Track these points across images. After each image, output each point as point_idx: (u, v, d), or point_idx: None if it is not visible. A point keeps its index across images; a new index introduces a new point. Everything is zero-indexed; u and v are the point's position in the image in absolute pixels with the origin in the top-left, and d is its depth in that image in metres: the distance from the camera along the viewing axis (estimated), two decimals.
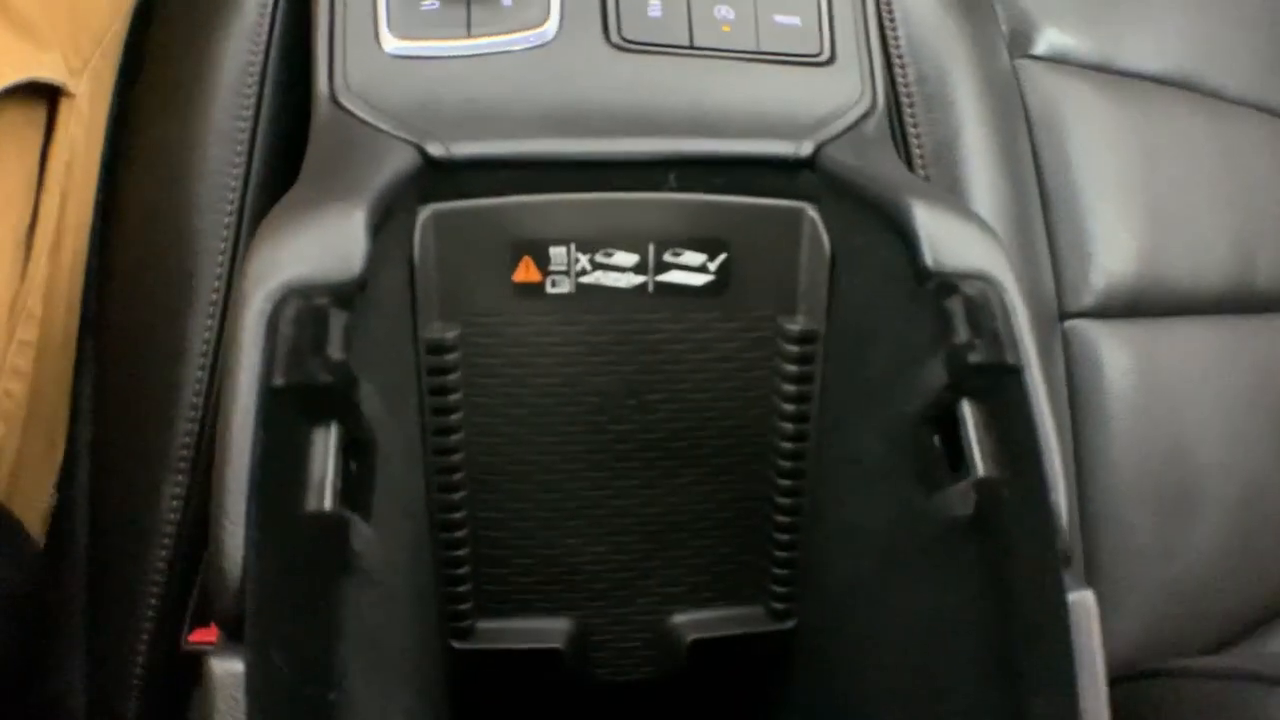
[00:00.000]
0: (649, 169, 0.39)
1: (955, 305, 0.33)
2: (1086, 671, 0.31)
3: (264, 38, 0.46)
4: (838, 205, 0.39)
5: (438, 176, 0.37)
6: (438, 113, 0.39)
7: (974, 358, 0.32)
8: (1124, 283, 0.56)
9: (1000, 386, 0.33)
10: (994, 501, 0.32)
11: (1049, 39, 0.60)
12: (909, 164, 0.50)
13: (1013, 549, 0.32)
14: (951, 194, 0.40)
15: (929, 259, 0.34)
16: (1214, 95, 0.65)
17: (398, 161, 0.36)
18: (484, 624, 0.44)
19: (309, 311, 0.28)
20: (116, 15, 0.46)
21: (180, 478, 0.42)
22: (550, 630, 0.44)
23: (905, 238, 0.34)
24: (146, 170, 0.45)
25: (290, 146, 0.43)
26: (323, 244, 0.30)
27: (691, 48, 0.42)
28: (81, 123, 0.43)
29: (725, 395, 0.42)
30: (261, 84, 0.45)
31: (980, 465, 0.32)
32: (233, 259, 0.44)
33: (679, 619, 0.45)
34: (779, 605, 0.45)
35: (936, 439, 0.34)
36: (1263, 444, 0.59)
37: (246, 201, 0.45)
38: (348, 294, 0.30)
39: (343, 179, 0.34)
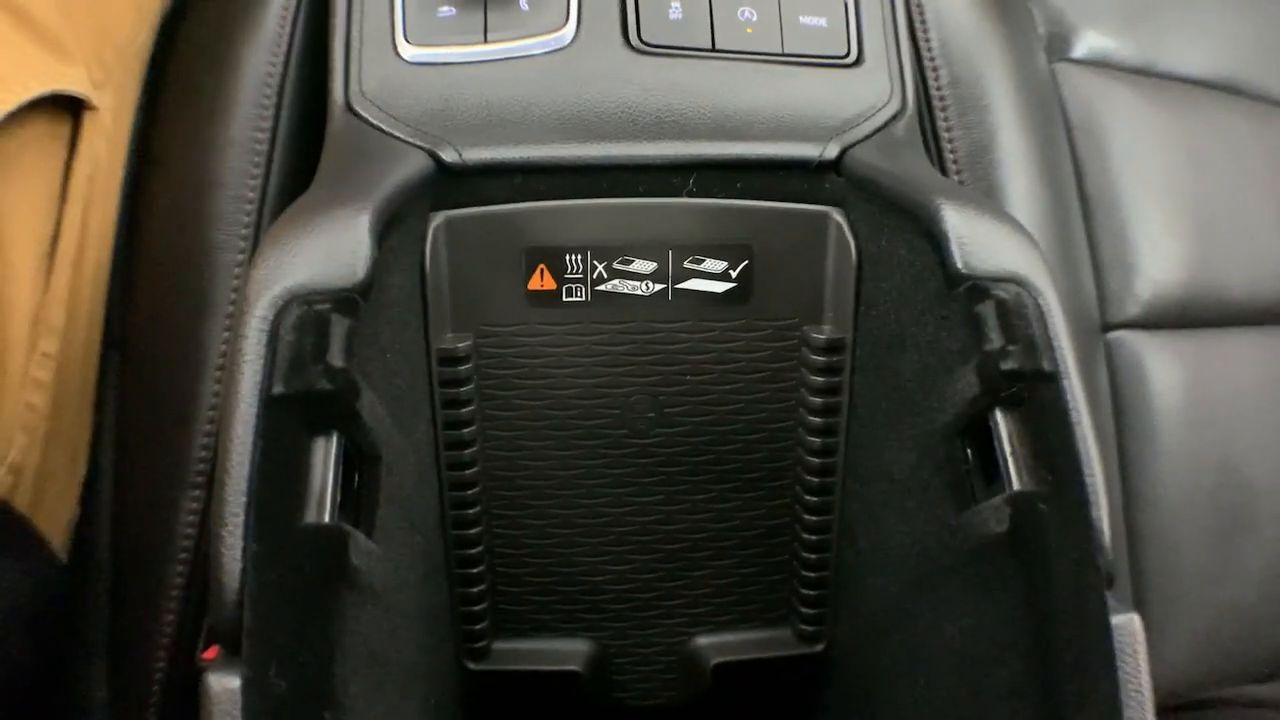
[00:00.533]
0: (668, 173, 0.38)
1: (987, 310, 0.31)
2: (1134, 700, 0.29)
3: (284, 48, 0.46)
4: (865, 208, 0.38)
5: (451, 182, 0.37)
6: (454, 119, 0.38)
7: (1007, 364, 0.30)
8: (1171, 292, 0.54)
9: (1036, 395, 0.31)
10: (1031, 517, 0.30)
11: (1088, 42, 0.58)
12: (942, 168, 0.48)
13: (1052, 567, 0.30)
14: (985, 197, 0.38)
15: (959, 262, 0.32)
16: (1261, 99, 0.63)
17: (409, 167, 0.35)
18: (500, 645, 0.43)
19: (310, 318, 0.28)
20: (141, 29, 0.47)
21: (197, 492, 0.42)
22: (569, 652, 0.43)
23: (934, 240, 0.33)
24: (167, 182, 0.45)
25: (309, 157, 0.43)
26: (327, 250, 0.29)
27: (714, 50, 0.41)
28: (104, 135, 0.43)
29: (749, 407, 0.41)
30: (280, 95, 0.45)
31: (1015, 478, 0.30)
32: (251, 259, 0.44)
33: (703, 641, 0.44)
34: (808, 627, 0.43)
35: (970, 451, 0.33)
36: None
37: (264, 213, 0.44)
38: (351, 300, 0.29)
39: (352, 185, 0.33)
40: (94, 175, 0.43)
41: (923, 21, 0.49)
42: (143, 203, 0.45)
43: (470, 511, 0.40)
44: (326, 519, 0.26)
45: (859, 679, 0.41)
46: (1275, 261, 0.58)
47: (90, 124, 0.43)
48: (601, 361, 0.39)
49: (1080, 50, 0.57)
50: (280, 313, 0.28)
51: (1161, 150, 0.56)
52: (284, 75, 0.46)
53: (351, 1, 0.41)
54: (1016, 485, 0.30)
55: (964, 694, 0.33)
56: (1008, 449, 0.31)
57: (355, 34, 0.40)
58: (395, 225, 0.33)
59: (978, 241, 0.33)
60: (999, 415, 0.31)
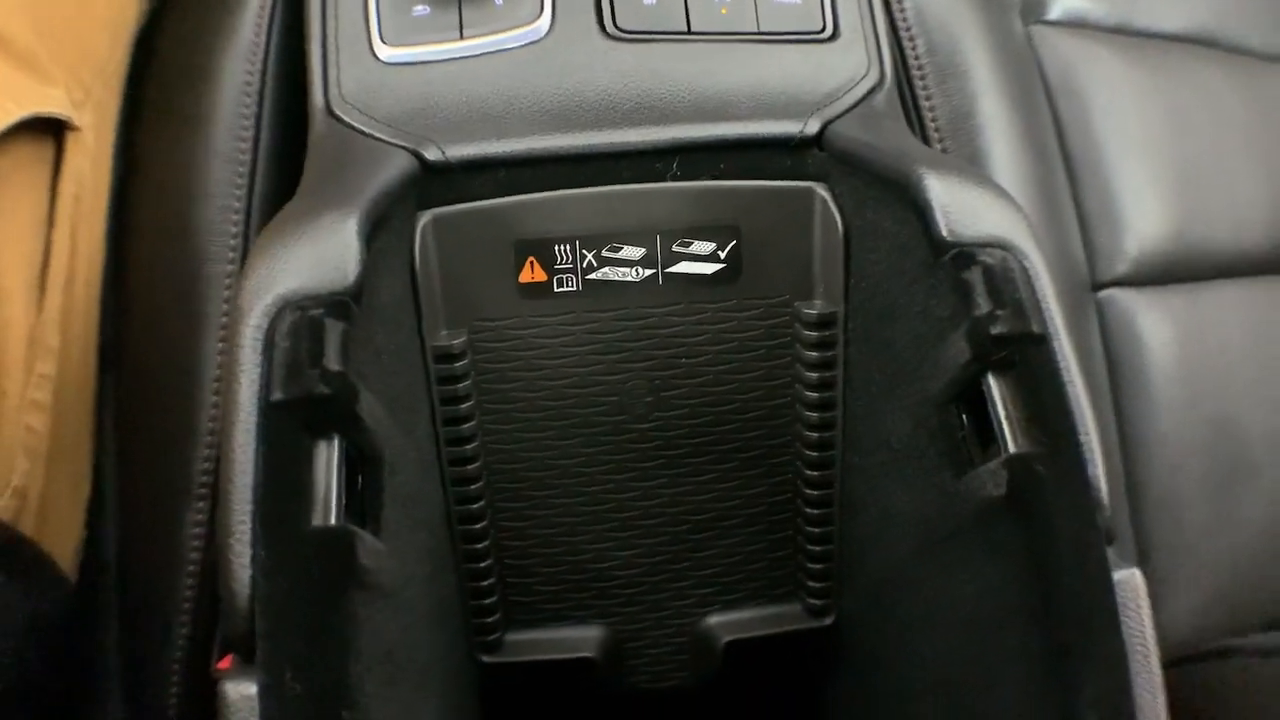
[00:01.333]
0: (652, 158, 0.38)
1: (974, 276, 0.31)
2: (1139, 653, 0.30)
3: (260, 56, 0.46)
4: (848, 182, 0.38)
5: (436, 181, 0.37)
6: (435, 117, 0.38)
7: (997, 329, 0.31)
8: (1159, 248, 0.54)
9: (1027, 357, 0.31)
10: (1028, 478, 0.30)
11: (1063, 3, 0.58)
12: (924, 137, 0.48)
13: (1052, 527, 0.30)
14: (967, 164, 0.38)
15: (944, 229, 0.32)
16: (1239, 51, 0.63)
17: (394, 168, 0.35)
18: (513, 636, 0.43)
19: (305, 323, 0.28)
20: (117, 45, 0.46)
21: (202, 504, 0.42)
22: (581, 639, 0.43)
23: (918, 209, 0.33)
24: (153, 198, 0.45)
25: (294, 162, 0.43)
26: (316, 255, 0.30)
27: (690, 33, 0.41)
28: (87, 155, 0.43)
29: (746, 386, 0.41)
30: (260, 104, 0.45)
31: (1011, 441, 0.31)
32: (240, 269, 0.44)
33: (713, 620, 0.44)
34: (816, 601, 0.43)
35: (965, 417, 0.33)
36: None
37: (251, 222, 0.44)
38: (344, 304, 0.29)
39: (338, 189, 0.33)
40: (80, 195, 0.43)
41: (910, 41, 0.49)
42: (130, 219, 0.45)
43: (475, 505, 0.40)
44: (333, 521, 0.26)
45: (868, 650, 0.42)
46: (1259, 212, 0.58)
47: (73, 144, 0.43)
48: (596, 349, 0.39)
49: (1056, 12, 0.57)
50: (274, 320, 0.28)
51: (1141, 107, 0.56)
52: (263, 83, 0.46)
53: (326, 5, 0.41)
54: (1013, 448, 0.31)
55: (972, 658, 0.34)
56: (1002, 413, 0.31)
57: (331, 38, 0.40)
58: (383, 226, 0.33)
59: (961, 208, 0.33)
60: (991, 379, 0.31)
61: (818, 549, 0.43)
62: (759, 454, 0.42)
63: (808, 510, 0.42)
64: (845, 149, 0.37)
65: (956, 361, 0.32)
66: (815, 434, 0.41)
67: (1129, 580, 0.30)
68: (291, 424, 0.27)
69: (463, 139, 0.37)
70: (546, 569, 0.42)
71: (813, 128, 0.39)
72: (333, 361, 0.27)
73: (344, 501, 0.27)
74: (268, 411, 0.27)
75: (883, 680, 0.40)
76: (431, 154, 0.37)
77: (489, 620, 0.42)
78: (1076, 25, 0.57)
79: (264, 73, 0.46)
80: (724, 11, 0.41)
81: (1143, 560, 0.51)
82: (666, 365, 0.40)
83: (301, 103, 0.41)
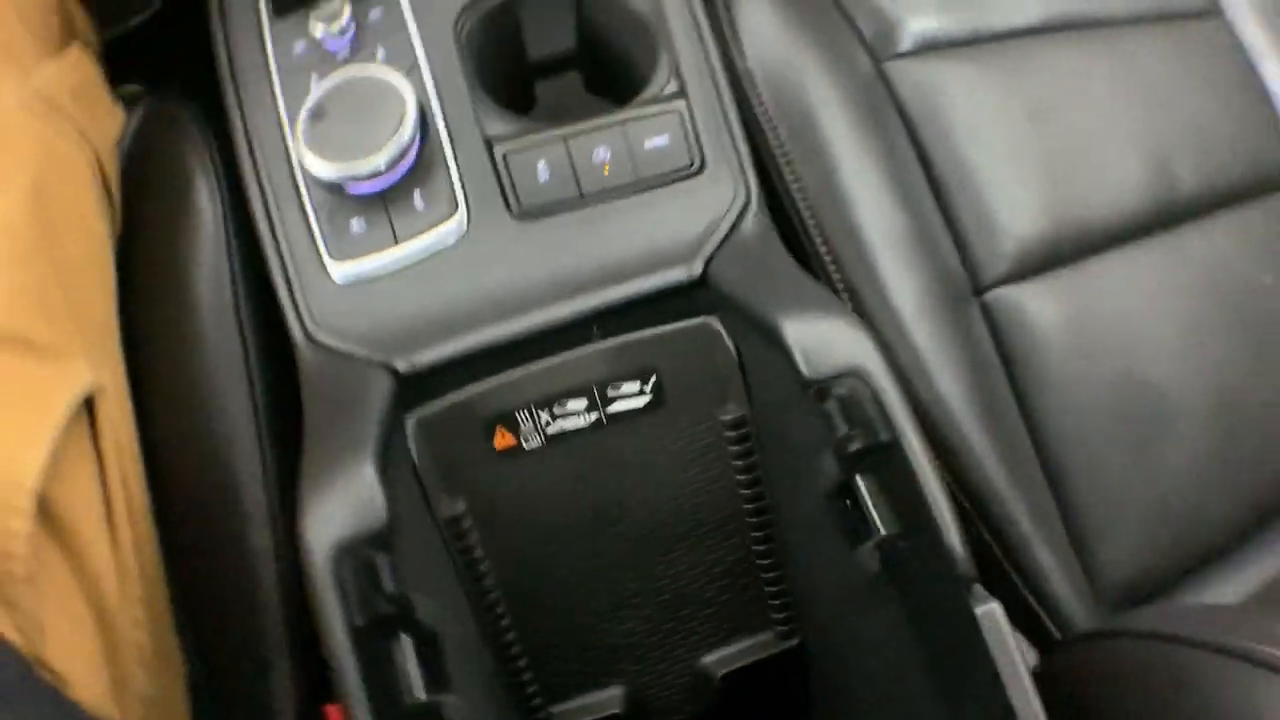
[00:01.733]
0: (578, 326, 0.46)
1: (832, 406, 0.40)
2: (1006, 670, 0.38)
3: (229, 278, 0.52)
4: (733, 315, 0.46)
5: (411, 386, 0.45)
6: (396, 329, 0.46)
7: (854, 446, 0.39)
8: (1037, 238, 0.60)
9: (883, 461, 0.39)
10: (896, 554, 0.39)
11: (912, 31, 0.62)
12: (799, 216, 0.55)
13: (923, 587, 0.39)
14: (820, 290, 0.45)
15: (804, 370, 0.40)
16: (1102, 24, 0.67)
17: (377, 391, 0.43)
18: (556, 708, 0.53)
19: (362, 564, 0.37)
20: (110, 297, 0.54)
21: (285, 665, 0.51)
22: (608, 699, 0.53)
23: (782, 350, 0.41)
24: (170, 424, 0.53)
25: (285, 358, 0.50)
26: (352, 507, 0.38)
27: (582, 198, 0.48)
28: (113, 402, 0.51)
29: (691, 482, 0.49)
30: (240, 321, 0.52)
31: (881, 527, 0.39)
32: (263, 466, 0.52)
33: (708, 659, 0.53)
34: (783, 627, 0.53)
35: (850, 503, 0.41)
36: (1224, 347, 0.62)
37: (261, 422, 0.52)
38: (384, 536, 0.38)
39: (344, 430, 0.41)
40: (117, 440, 0.51)
41: (759, 99, 0.55)
42: (154, 434, 0.53)
43: (503, 621, 0.49)
44: (423, 697, 0.36)
45: (828, 668, 0.51)
46: (1134, 174, 0.63)
47: (101, 400, 0.51)
48: (568, 483, 0.48)
49: (907, 42, 0.62)
50: (337, 564, 0.37)
51: (1002, 113, 0.62)
52: (236, 300, 0.52)
53: (274, 228, 0.48)
54: (883, 532, 0.39)
55: (896, 677, 0.43)
56: (870, 505, 0.39)
57: (288, 260, 0.47)
58: (388, 446, 0.42)
59: (817, 348, 0.40)
60: (859, 480, 0.40)
61: (774, 589, 0.52)
62: (713, 527, 0.51)
63: (760, 562, 0.51)
64: (723, 290, 0.45)
65: (832, 469, 0.40)
66: (752, 506, 0.49)
67: (989, 614, 0.38)
68: (373, 635, 0.36)
69: (423, 345, 0.45)
70: (568, 652, 0.52)
71: (697, 269, 0.46)
72: (389, 584, 0.37)
73: (424, 677, 0.36)
74: (355, 634, 0.36)
75: (843, 694, 0.50)
76: (403, 366, 0.44)
77: (535, 703, 0.52)
78: (930, 49, 0.62)
79: (235, 291, 0.53)
80: (606, 171, 0.48)
81: (1074, 529, 0.58)
82: (624, 483, 0.49)
83: (274, 302, 0.48)
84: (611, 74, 0.56)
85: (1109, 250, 0.62)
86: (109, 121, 0.57)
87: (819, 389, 0.40)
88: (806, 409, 0.41)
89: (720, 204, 0.48)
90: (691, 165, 0.48)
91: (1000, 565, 0.57)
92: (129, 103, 0.60)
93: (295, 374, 0.47)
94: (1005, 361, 0.58)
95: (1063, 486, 0.58)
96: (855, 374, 0.40)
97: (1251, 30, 0.75)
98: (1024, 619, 0.57)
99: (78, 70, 0.56)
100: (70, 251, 0.52)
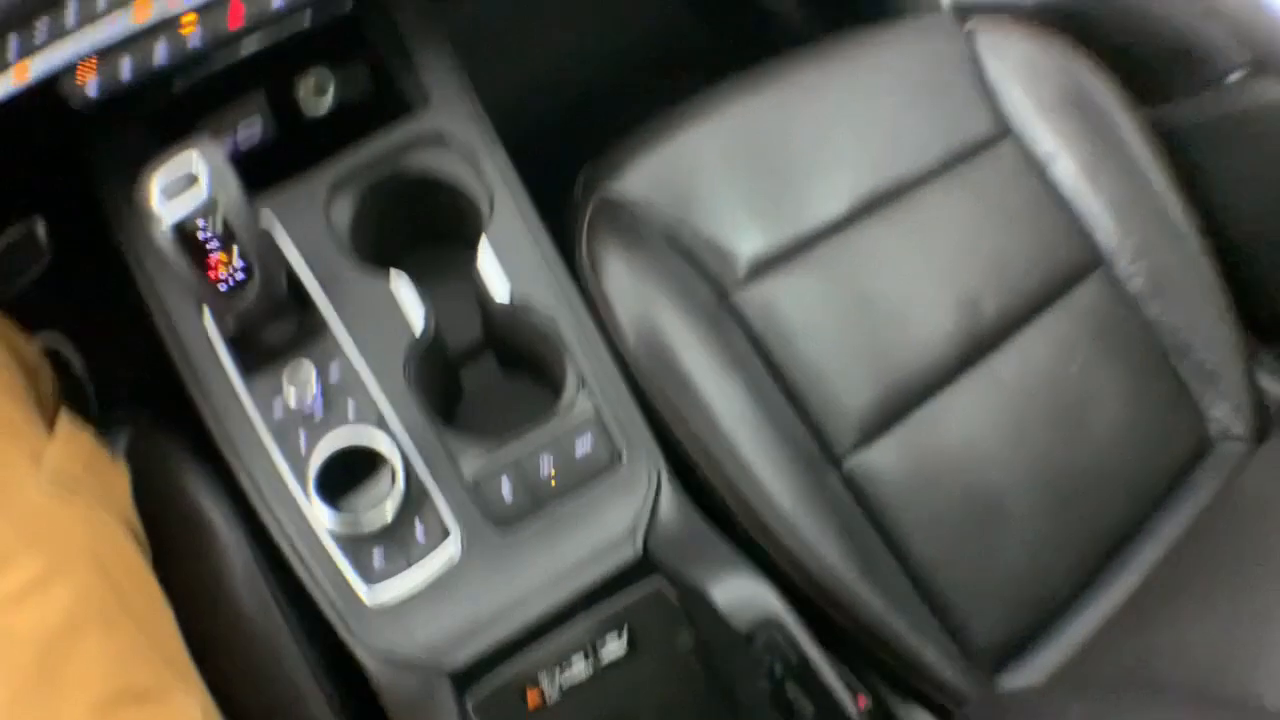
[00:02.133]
0: (571, 607, 0.63)
1: (759, 650, 0.57)
2: None
3: (261, 580, 0.69)
4: (673, 583, 0.63)
5: (462, 681, 0.62)
6: (439, 641, 0.62)
7: (778, 673, 0.57)
8: (873, 405, 0.74)
9: (804, 675, 0.57)
10: None
11: (745, 256, 0.76)
12: (685, 449, 0.71)
13: None
14: (729, 551, 0.63)
15: (730, 623, 0.58)
16: (901, 192, 0.80)
17: (444, 695, 0.60)
18: None
19: None
20: (173, 626, 0.65)
21: None
22: None
23: (713, 608, 0.58)
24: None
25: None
26: None
27: (538, 511, 0.65)
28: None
29: (675, 698, 0.66)
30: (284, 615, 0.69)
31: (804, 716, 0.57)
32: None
33: None
34: None
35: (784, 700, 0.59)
36: (1044, 438, 0.77)
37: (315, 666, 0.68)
38: None
39: None
40: None
41: (629, 352, 0.70)
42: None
43: None
44: None
45: None
46: (939, 328, 0.77)
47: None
48: (588, 714, 0.65)
49: (743, 269, 0.76)
50: None
51: (829, 308, 0.76)
52: (275, 597, 0.69)
53: (307, 565, 0.64)
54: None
55: None
56: (794, 702, 0.57)
57: (329, 595, 0.63)
58: None
59: (738, 605, 0.58)
60: (787, 688, 0.57)
61: None
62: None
63: None
64: (659, 562, 0.62)
65: (766, 689, 0.58)
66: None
67: None
68: None
69: (462, 646, 0.61)
70: None
71: (640, 547, 0.63)
72: None
73: None
74: None
75: None
76: (452, 668, 0.61)
77: None
78: (763, 268, 0.77)
79: (272, 594, 0.69)
80: (553, 482, 0.65)
81: (943, 615, 0.74)
82: (627, 709, 0.65)
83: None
84: (518, 358, 0.72)
85: (933, 395, 0.76)
86: (119, 480, 0.69)
87: (746, 638, 0.58)
88: (739, 652, 0.58)
89: (640, 486, 0.65)
90: (613, 460, 0.65)
91: (891, 665, 0.73)
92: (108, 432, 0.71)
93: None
94: (866, 510, 0.74)
95: (928, 588, 0.73)
96: (770, 623, 0.59)
97: (1040, 134, 0.88)
98: (918, 695, 0.74)
99: (75, 441, 0.67)
100: (137, 602, 0.65)
